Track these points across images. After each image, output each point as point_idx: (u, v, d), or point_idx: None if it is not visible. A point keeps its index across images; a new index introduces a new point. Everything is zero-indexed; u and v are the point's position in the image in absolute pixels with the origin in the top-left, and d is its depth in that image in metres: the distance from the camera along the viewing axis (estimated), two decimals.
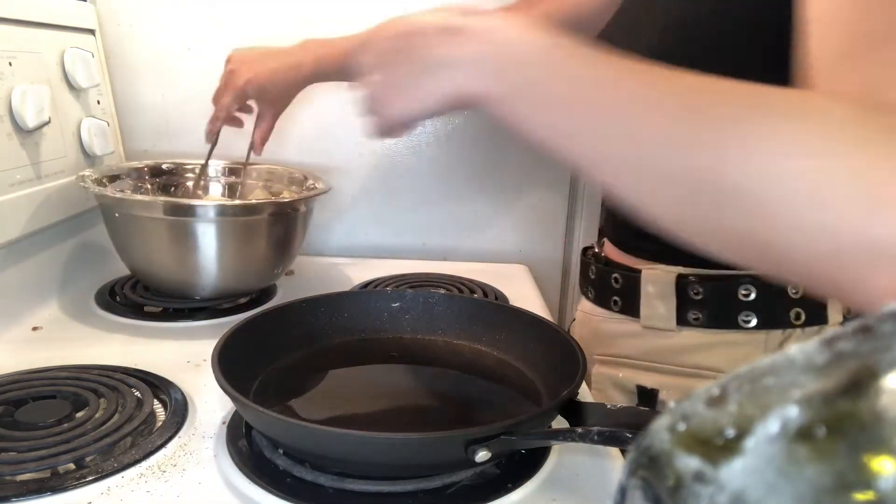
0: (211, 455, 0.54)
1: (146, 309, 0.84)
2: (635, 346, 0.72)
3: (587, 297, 0.80)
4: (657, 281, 0.68)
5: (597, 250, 0.81)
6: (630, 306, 0.71)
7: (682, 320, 0.67)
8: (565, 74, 0.38)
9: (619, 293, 0.73)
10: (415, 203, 1.16)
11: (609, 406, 0.51)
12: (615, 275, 0.73)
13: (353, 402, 0.64)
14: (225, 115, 0.85)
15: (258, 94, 0.84)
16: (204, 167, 0.95)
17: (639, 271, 0.70)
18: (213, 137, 0.88)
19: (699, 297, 0.65)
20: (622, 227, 0.74)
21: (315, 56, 0.81)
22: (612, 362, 0.74)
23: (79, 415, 0.57)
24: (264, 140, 0.88)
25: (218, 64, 1.05)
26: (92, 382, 0.62)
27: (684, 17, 0.60)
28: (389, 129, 0.49)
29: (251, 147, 0.90)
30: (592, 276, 0.78)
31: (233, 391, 0.51)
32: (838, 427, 0.16)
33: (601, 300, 0.76)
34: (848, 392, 0.16)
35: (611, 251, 0.77)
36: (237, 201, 0.93)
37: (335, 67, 0.81)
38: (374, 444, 0.48)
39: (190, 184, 0.99)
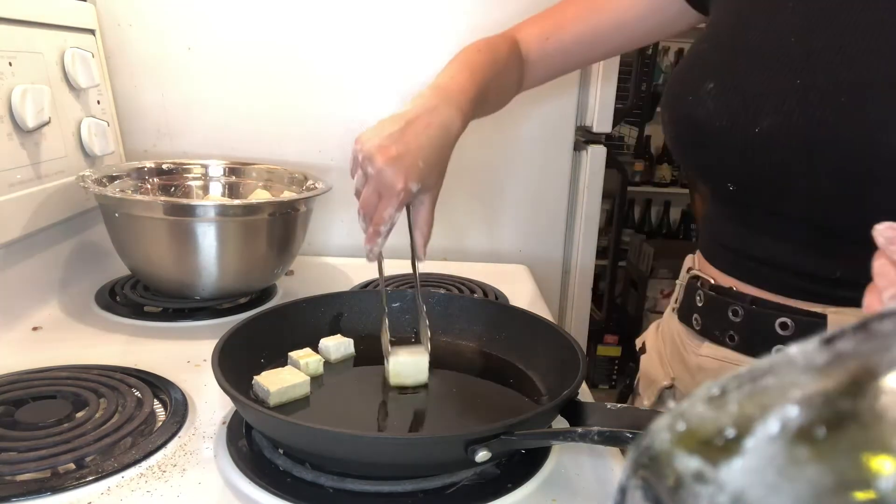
0: (211, 455, 0.54)
1: (146, 309, 0.84)
2: None
3: (721, 343, 0.63)
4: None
5: (712, 281, 0.64)
6: None
7: None
8: None
9: (787, 341, 0.58)
10: None
11: (609, 406, 0.51)
12: (783, 319, 0.57)
13: (354, 402, 0.64)
14: (390, 227, 0.64)
15: (421, 187, 0.63)
16: (384, 295, 0.72)
17: (822, 316, 0.55)
18: (376, 257, 0.67)
19: None
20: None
21: (458, 105, 0.66)
22: None
23: (79, 415, 0.57)
24: (427, 239, 0.67)
25: (218, 64, 1.06)
26: (92, 382, 0.62)
27: None
28: None
29: (414, 253, 0.67)
30: (735, 319, 0.61)
31: (233, 391, 0.51)
32: (838, 427, 0.16)
33: (748, 346, 0.61)
34: (848, 392, 0.16)
35: (734, 282, 0.62)
36: (237, 201, 0.93)
37: (476, 108, 0.70)
38: (374, 444, 0.48)
39: (190, 184, 0.99)
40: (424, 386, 0.65)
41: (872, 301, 0.39)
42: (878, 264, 0.36)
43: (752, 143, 0.56)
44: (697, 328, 0.66)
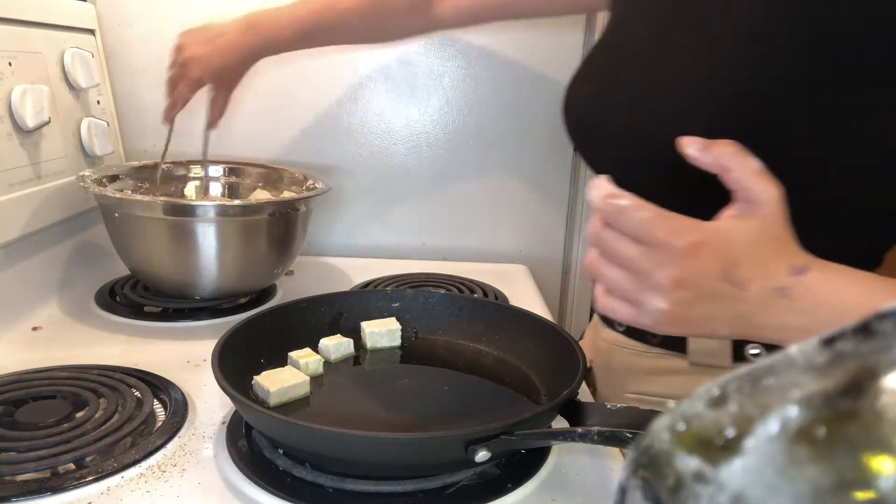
0: (211, 455, 0.54)
1: (146, 309, 0.84)
2: (679, 386, 0.64)
3: (612, 327, 0.71)
4: None
5: None
6: (673, 339, 0.63)
7: (739, 356, 0.60)
8: None
9: None
10: (415, 203, 1.16)
11: (609, 406, 0.51)
12: None
13: (354, 402, 0.64)
14: (184, 103, 0.87)
15: (214, 81, 0.86)
16: (164, 154, 0.94)
17: None
18: (170, 122, 0.90)
19: None
20: None
21: (264, 35, 0.84)
22: (650, 402, 0.66)
23: (79, 415, 0.57)
24: (220, 117, 0.91)
25: None
26: (92, 382, 0.62)
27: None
28: None
29: (207, 134, 0.94)
30: None
31: (233, 391, 0.51)
32: (838, 427, 0.16)
33: (634, 331, 0.67)
34: (848, 392, 0.16)
35: None
36: (237, 201, 0.93)
37: (285, 43, 0.86)
38: (374, 444, 0.48)
39: (187, 183, 0.99)
40: (398, 349, 0.72)
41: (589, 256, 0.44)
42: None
43: (608, 140, 0.59)
44: (600, 315, 0.74)
